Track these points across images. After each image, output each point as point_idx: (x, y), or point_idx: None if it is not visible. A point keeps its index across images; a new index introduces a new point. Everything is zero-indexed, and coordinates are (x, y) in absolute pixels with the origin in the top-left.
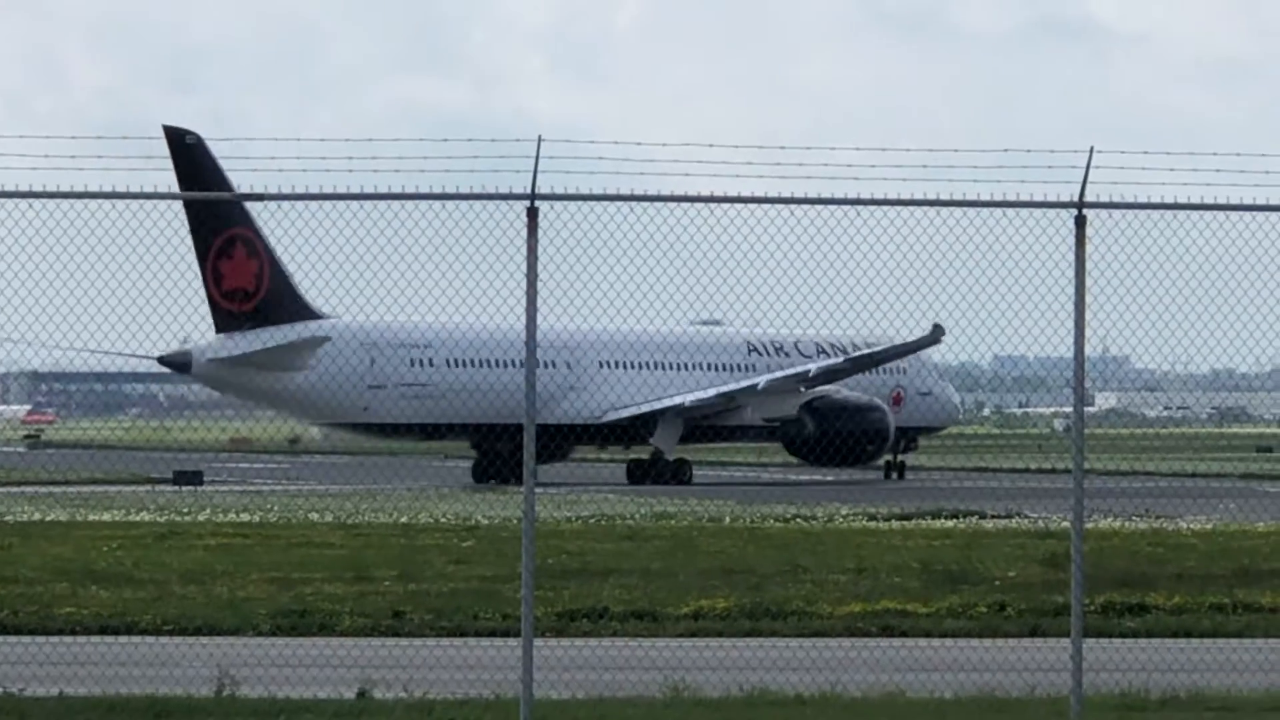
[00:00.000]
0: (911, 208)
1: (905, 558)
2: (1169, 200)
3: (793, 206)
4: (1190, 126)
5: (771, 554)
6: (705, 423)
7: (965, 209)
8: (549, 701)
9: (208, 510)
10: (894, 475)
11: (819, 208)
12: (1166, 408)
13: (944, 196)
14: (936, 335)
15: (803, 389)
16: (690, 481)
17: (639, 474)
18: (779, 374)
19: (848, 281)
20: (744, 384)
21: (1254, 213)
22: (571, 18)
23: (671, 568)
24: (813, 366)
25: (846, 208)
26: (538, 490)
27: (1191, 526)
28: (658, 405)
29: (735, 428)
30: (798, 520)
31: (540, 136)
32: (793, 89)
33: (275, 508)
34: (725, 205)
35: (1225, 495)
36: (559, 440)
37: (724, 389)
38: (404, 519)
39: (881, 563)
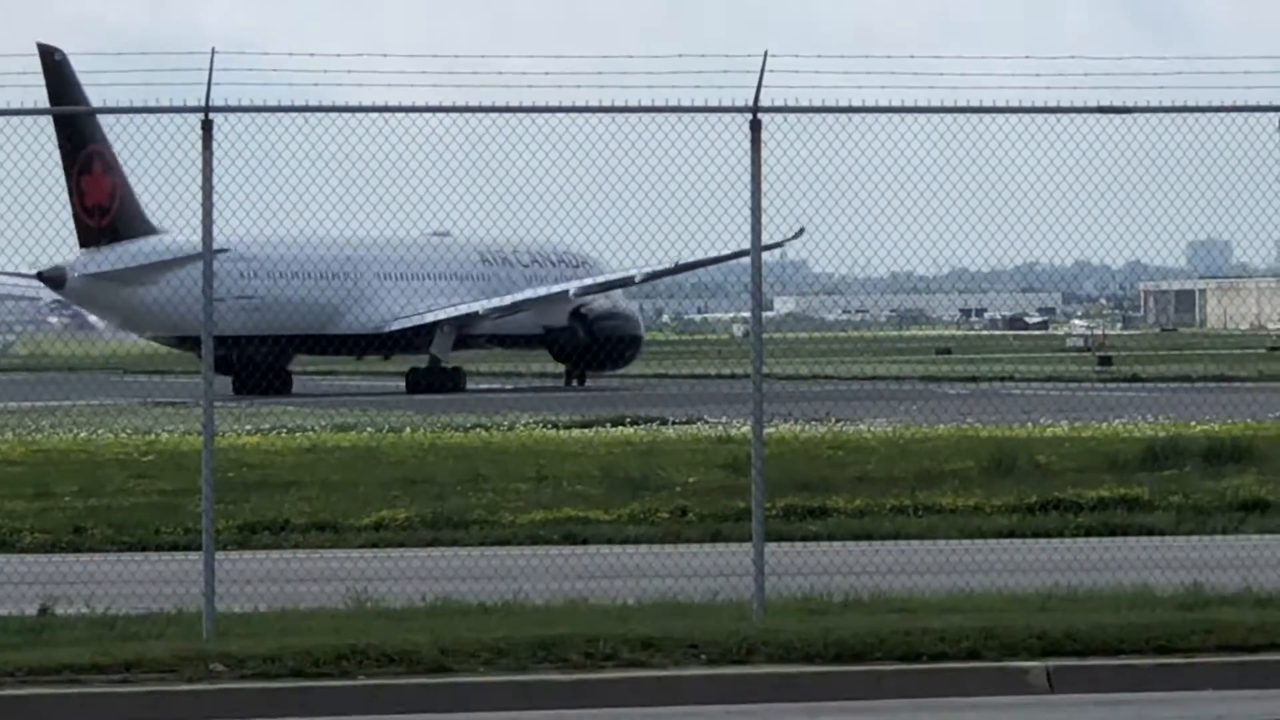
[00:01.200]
0: (586, 114)
1: (586, 465)
2: (844, 104)
3: (467, 115)
4: (865, 28)
5: (452, 464)
6: (479, 332)
7: (640, 114)
8: (232, 615)
9: None
10: (574, 382)
11: (493, 116)
12: (845, 311)
13: (618, 103)
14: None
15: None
16: (464, 389)
17: (417, 383)
18: (591, 280)
19: (523, 189)
20: (553, 290)
21: (928, 114)
22: None
23: (352, 479)
24: (637, 274)
25: (521, 115)
26: (217, 405)
27: (872, 429)
28: (443, 315)
29: (508, 336)
30: (478, 429)
31: (214, 49)
32: None
33: None
34: (400, 115)
35: (906, 398)
36: (347, 350)
37: (523, 296)
38: (84, 434)
39: (562, 470)
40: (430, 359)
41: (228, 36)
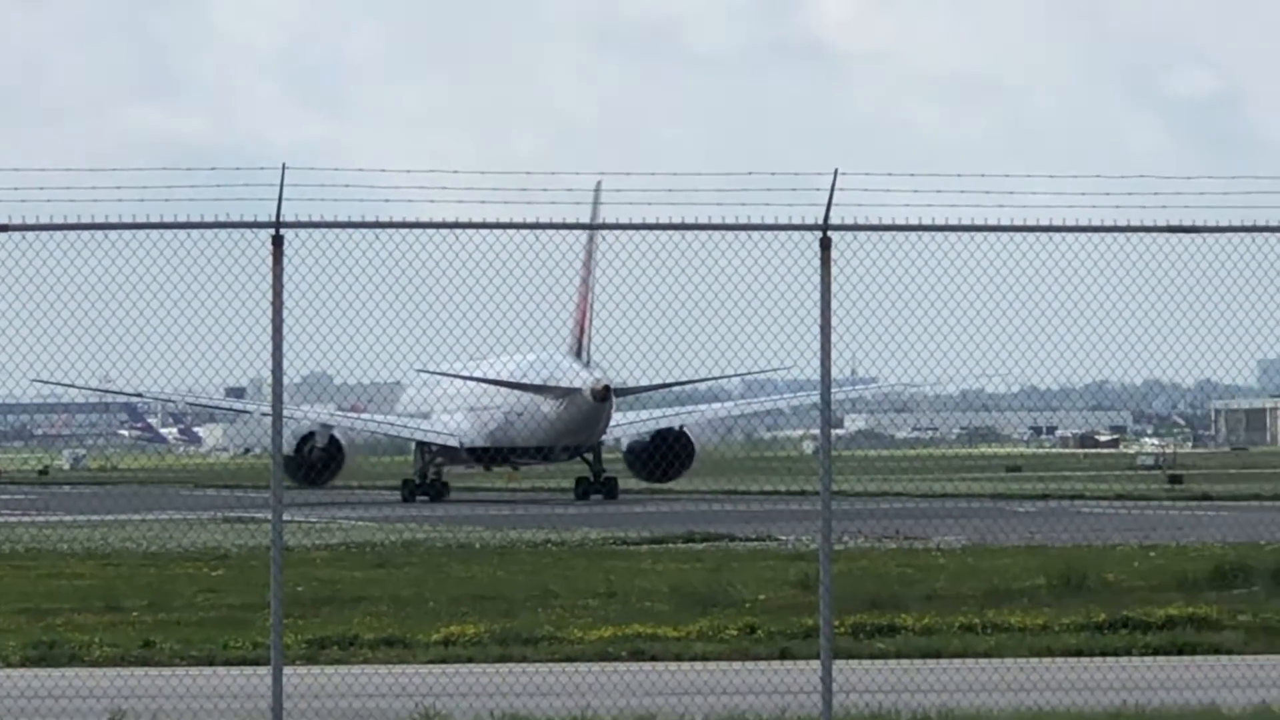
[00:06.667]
0: (657, 231)
1: (656, 581)
2: (914, 221)
3: (538, 232)
4: (931, 145)
5: (522, 579)
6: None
7: (710, 232)
8: None
9: None
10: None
11: (564, 233)
12: (916, 429)
13: (688, 220)
14: None
15: None
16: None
17: (586, 492)
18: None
19: (597, 305)
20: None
21: (997, 233)
22: (303, 44)
23: (422, 594)
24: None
25: (607, 231)
26: (290, 519)
27: (941, 547)
28: (620, 432)
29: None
30: (549, 544)
31: (284, 164)
32: (530, 112)
33: (25, 538)
34: (471, 231)
35: (975, 515)
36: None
37: (684, 413)
38: (153, 548)
39: (632, 586)
40: (595, 467)
41: (296, 153)
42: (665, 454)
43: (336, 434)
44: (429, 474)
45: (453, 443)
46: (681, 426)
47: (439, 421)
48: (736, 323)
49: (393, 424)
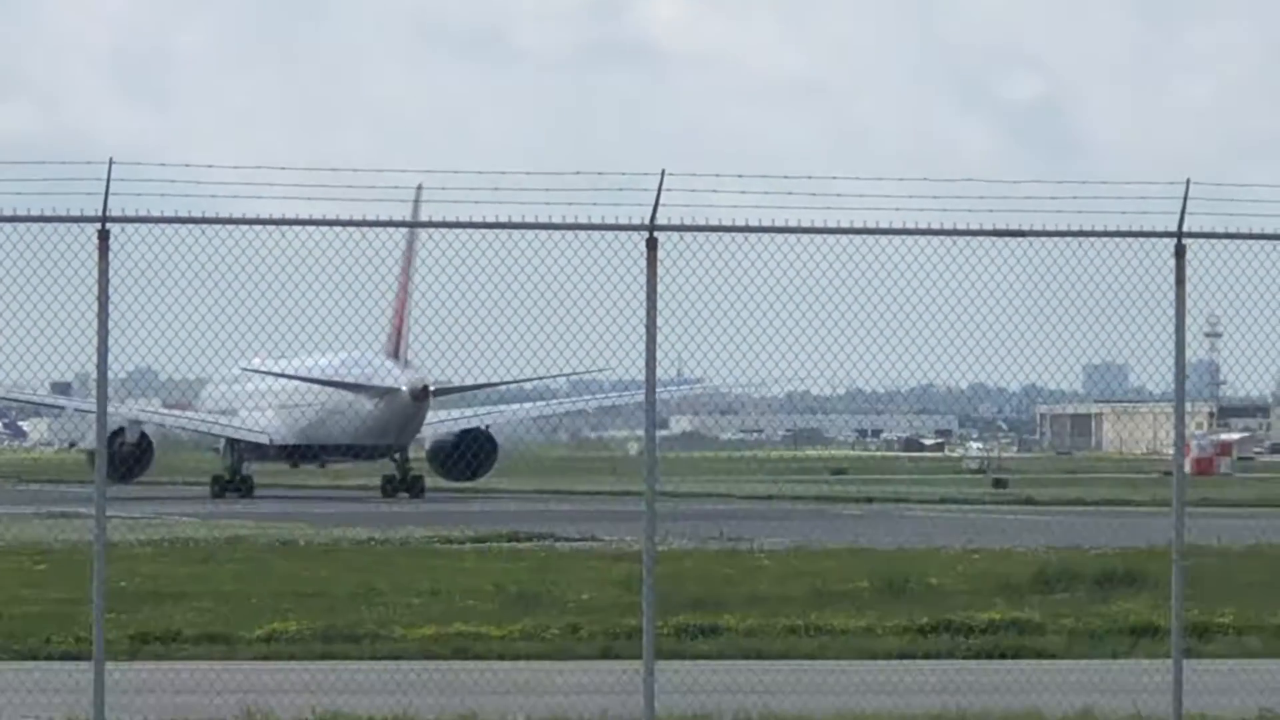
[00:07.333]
0: (483, 230)
1: (480, 580)
2: (741, 223)
3: (364, 230)
4: (760, 147)
5: (345, 576)
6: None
7: (536, 232)
8: None
9: None
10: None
11: (390, 230)
12: (741, 430)
13: (514, 219)
14: None
15: None
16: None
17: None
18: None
19: (418, 305)
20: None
21: (824, 235)
22: (132, 38)
23: (245, 591)
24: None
25: (431, 230)
26: (114, 514)
27: (766, 548)
28: (430, 429)
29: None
30: (372, 542)
31: (111, 159)
32: (356, 110)
33: None
34: (297, 228)
35: (800, 517)
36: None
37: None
38: None
39: (455, 585)
40: (403, 466)
41: (123, 147)
42: (468, 453)
43: (147, 430)
44: (238, 471)
45: (263, 440)
46: (487, 426)
47: (249, 418)
48: (562, 322)
49: (203, 420)
